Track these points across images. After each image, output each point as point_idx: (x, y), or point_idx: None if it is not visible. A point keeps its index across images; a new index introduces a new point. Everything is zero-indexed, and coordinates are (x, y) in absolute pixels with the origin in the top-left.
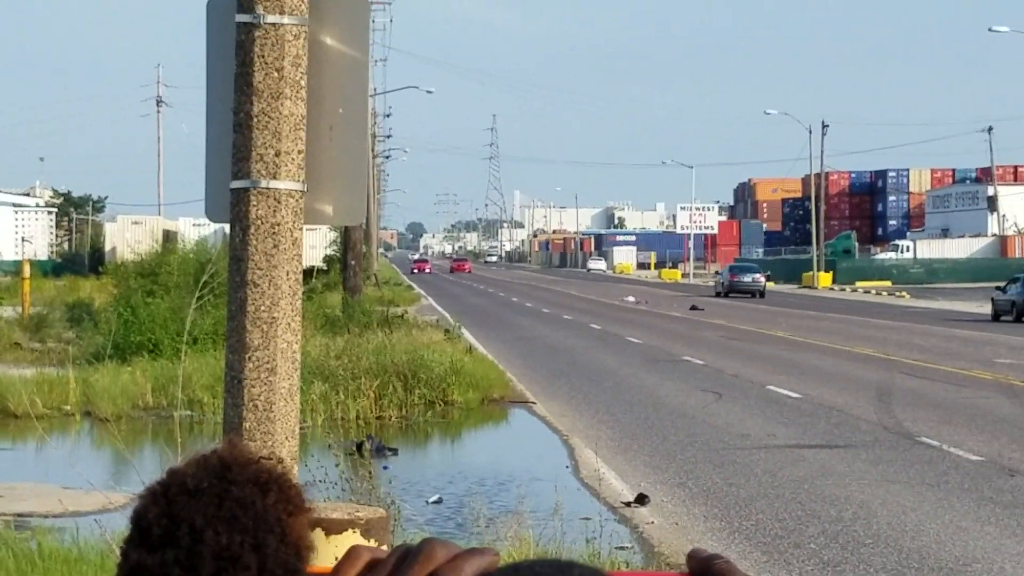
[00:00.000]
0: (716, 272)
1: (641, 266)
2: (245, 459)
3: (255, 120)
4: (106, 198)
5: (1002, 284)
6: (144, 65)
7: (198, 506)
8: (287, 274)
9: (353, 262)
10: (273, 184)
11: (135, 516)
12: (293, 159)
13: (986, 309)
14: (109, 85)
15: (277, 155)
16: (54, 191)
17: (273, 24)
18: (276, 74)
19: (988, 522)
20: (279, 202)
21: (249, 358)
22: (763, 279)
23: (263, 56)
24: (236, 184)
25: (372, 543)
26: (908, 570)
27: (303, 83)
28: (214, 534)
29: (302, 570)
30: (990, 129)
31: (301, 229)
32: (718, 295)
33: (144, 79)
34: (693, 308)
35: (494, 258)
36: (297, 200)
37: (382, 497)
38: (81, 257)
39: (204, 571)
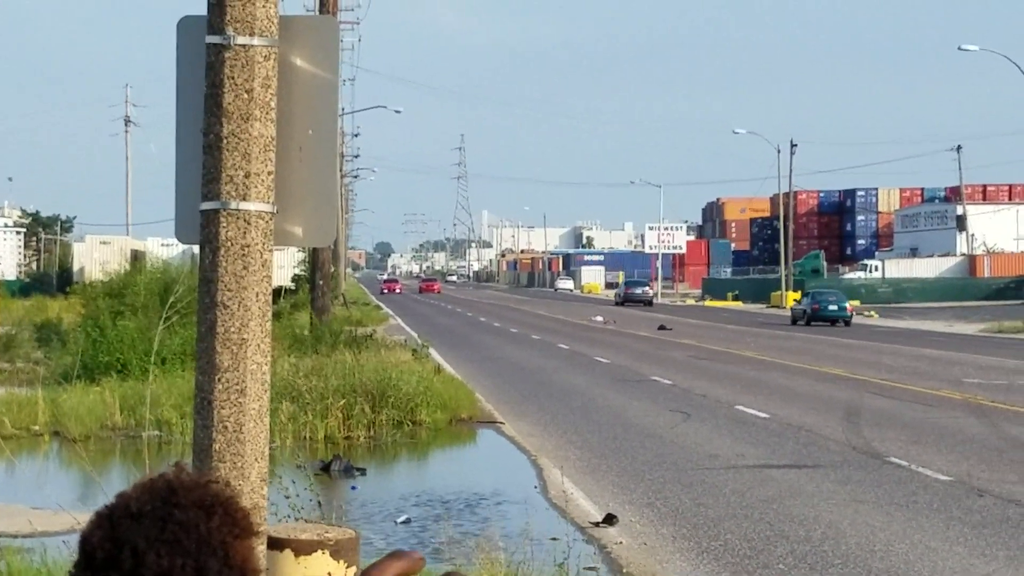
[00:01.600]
0: (616, 285)
1: (609, 286)
2: (191, 482)
3: (225, 141)
4: (74, 218)
5: (799, 298)
6: (113, 85)
7: (140, 529)
8: (257, 295)
9: (321, 282)
10: (243, 205)
11: (81, 539)
12: (263, 180)
13: (955, 329)
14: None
15: (247, 176)
16: (22, 211)
17: (243, 45)
18: (246, 95)
19: (957, 542)
20: (249, 223)
21: (219, 379)
22: (651, 291)
23: (233, 77)
24: (206, 205)
25: (341, 564)
26: None
27: (273, 104)
28: (155, 557)
29: None
30: (959, 148)
31: (271, 250)
32: (618, 304)
33: (113, 99)
34: (661, 328)
35: (453, 277)
36: (267, 221)
37: (349, 517)
38: (49, 277)
39: None
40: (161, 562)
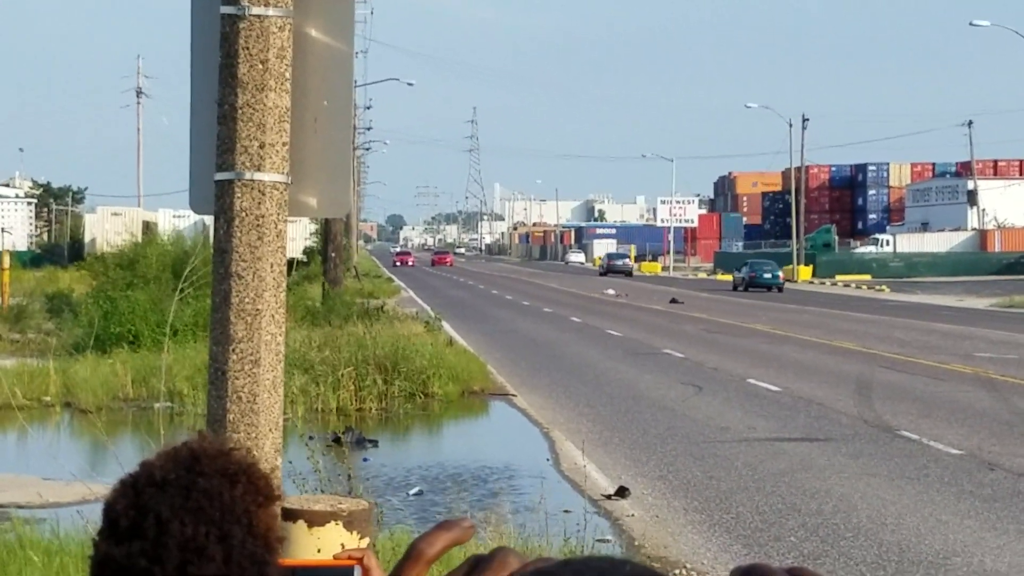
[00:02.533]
0: (599, 259)
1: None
2: (215, 451)
3: (239, 112)
4: (86, 189)
5: (740, 266)
6: (125, 56)
7: (165, 498)
8: (271, 266)
9: (334, 254)
10: (257, 176)
11: (105, 508)
12: (278, 151)
13: (966, 303)
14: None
15: (261, 147)
16: (34, 182)
17: (258, 16)
18: (261, 66)
19: (968, 516)
20: (263, 194)
21: (233, 350)
22: (630, 262)
23: (248, 48)
24: (220, 176)
25: (354, 535)
26: (888, 563)
27: (288, 75)
28: (180, 525)
29: (270, 561)
30: (970, 123)
31: (285, 221)
32: (601, 275)
33: (125, 70)
34: (673, 301)
35: (462, 249)
36: (281, 192)
37: (362, 489)
38: (60, 248)
39: (169, 563)
40: (185, 530)
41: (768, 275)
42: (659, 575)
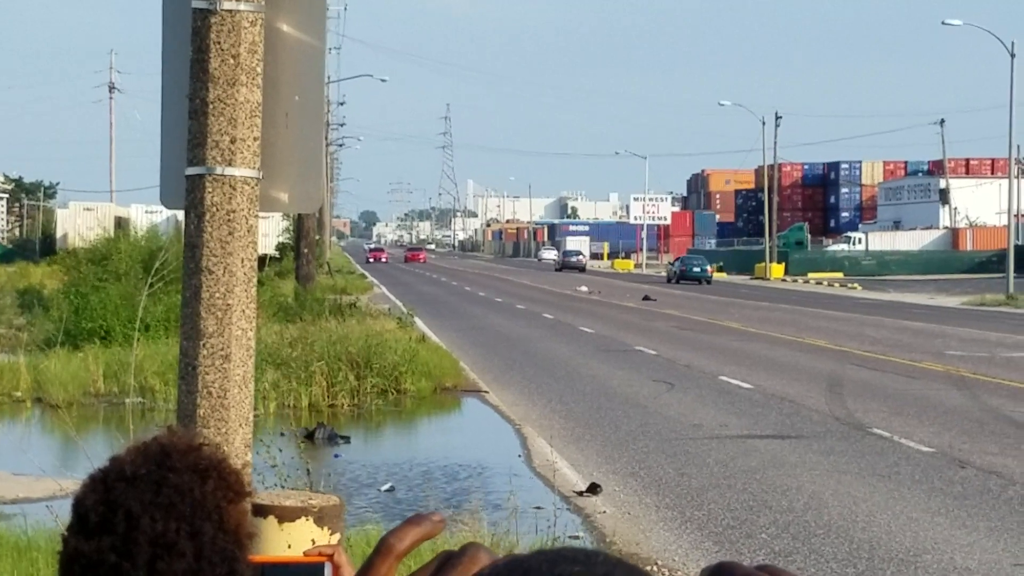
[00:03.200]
0: (556, 256)
1: (594, 256)
2: (185, 446)
3: (211, 107)
4: (58, 184)
5: (673, 261)
6: (98, 51)
7: (135, 493)
8: (242, 261)
9: (306, 250)
10: (228, 171)
11: (75, 503)
12: (248, 146)
13: (937, 301)
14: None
15: (232, 142)
16: (5, 176)
17: (229, 11)
18: (232, 61)
19: (938, 513)
20: (234, 189)
21: (203, 345)
22: (584, 259)
23: (219, 43)
24: (191, 171)
25: (325, 531)
26: (859, 560)
27: (259, 70)
28: (150, 521)
29: (241, 557)
30: (942, 122)
31: (256, 216)
32: (557, 270)
33: (97, 65)
34: (646, 298)
35: (432, 245)
36: (252, 187)
37: (333, 485)
38: (32, 243)
39: (139, 558)
40: (156, 526)
41: (697, 269)
42: (631, 566)
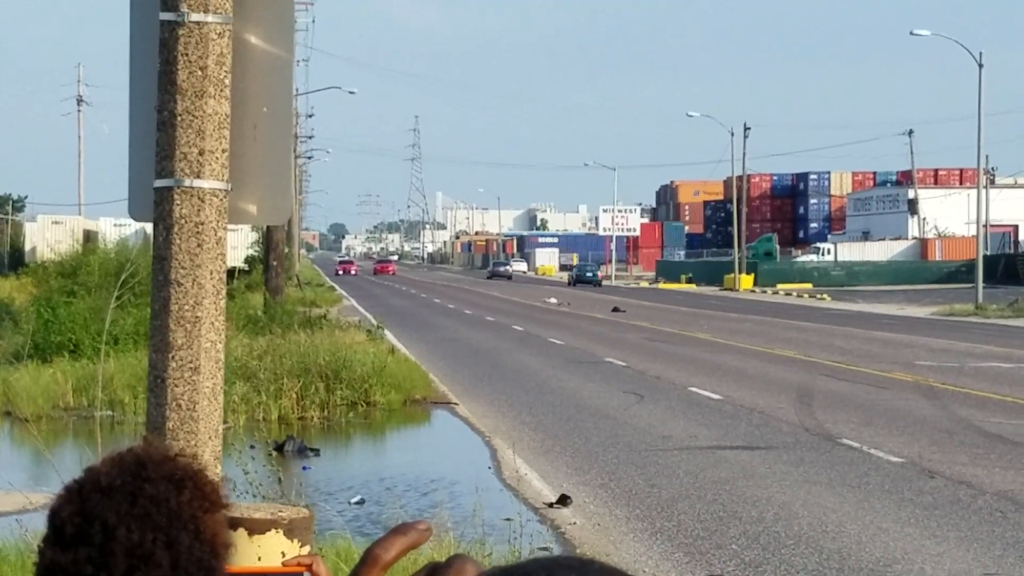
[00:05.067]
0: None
1: (563, 268)
2: (161, 456)
3: (179, 119)
4: (26, 197)
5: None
6: (65, 63)
7: (111, 504)
8: (211, 273)
9: (275, 263)
10: (197, 183)
11: (50, 514)
12: (217, 158)
13: (906, 312)
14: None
15: (201, 154)
16: None
17: (197, 22)
18: (200, 72)
19: (908, 523)
20: (203, 201)
21: (172, 357)
22: (510, 268)
23: (187, 54)
24: (159, 183)
25: (295, 543)
26: (829, 571)
27: (227, 82)
28: (126, 532)
29: (217, 567)
30: (911, 132)
31: (225, 228)
32: (488, 278)
33: (65, 78)
34: (615, 310)
35: (395, 257)
36: (221, 199)
37: (303, 497)
38: (0, 256)
39: (116, 569)
40: (132, 536)
41: (589, 273)
42: (625, 573)
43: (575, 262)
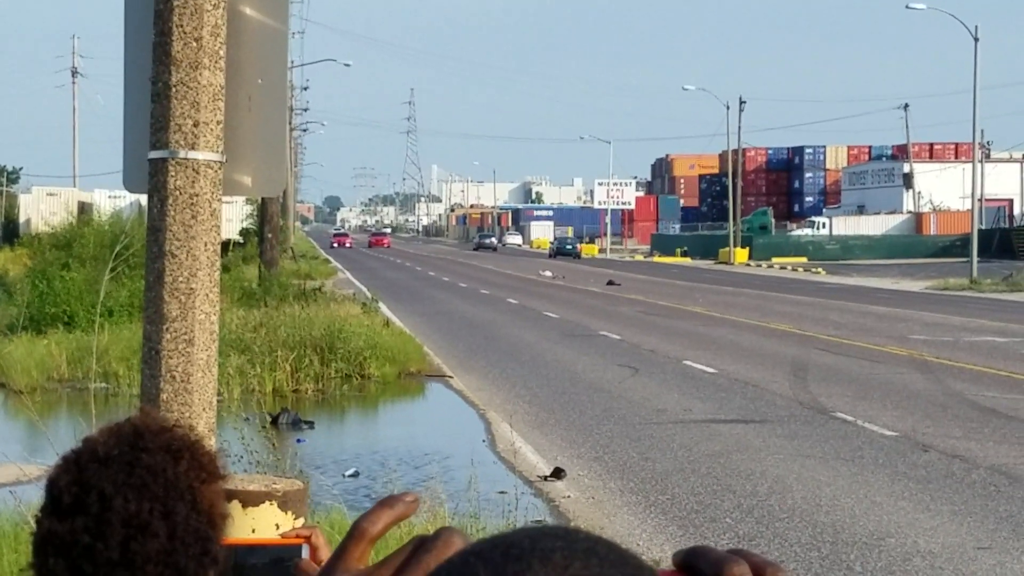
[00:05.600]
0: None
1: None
2: (158, 427)
3: (173, 90)
4: (21, 169)
5: (553, 241)
6: (60, 36)
7: (108, 474)
8: (205, 245)
9: (270, 235)
10: (192, 155)
11: (48, 484)
12: (212, 129)
13: (901, 286)
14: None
15: (195, 125)
16: None
17: None
18: (195, 44)
19: (902, 497)
20: (197, 173)
21: (167, 329)
22: (494, 240)
23: (182, 26)
24: (154, 154)
25: (289, 515)
26: (823, 544)
27: (222, 53)
28: (123, 501)
29: (214, 538)
30: (906, 107)
31: (220, 200)
32: (474, 250)
33: (60, 49)
34: (610, 283)
35: (388, 230)
36: (216, 171)
37: (297, 469)
38: None
39: (113, 538)
40: (129, 506)
41: (569, 247)
42: (612, 543)
43: (570, 235)
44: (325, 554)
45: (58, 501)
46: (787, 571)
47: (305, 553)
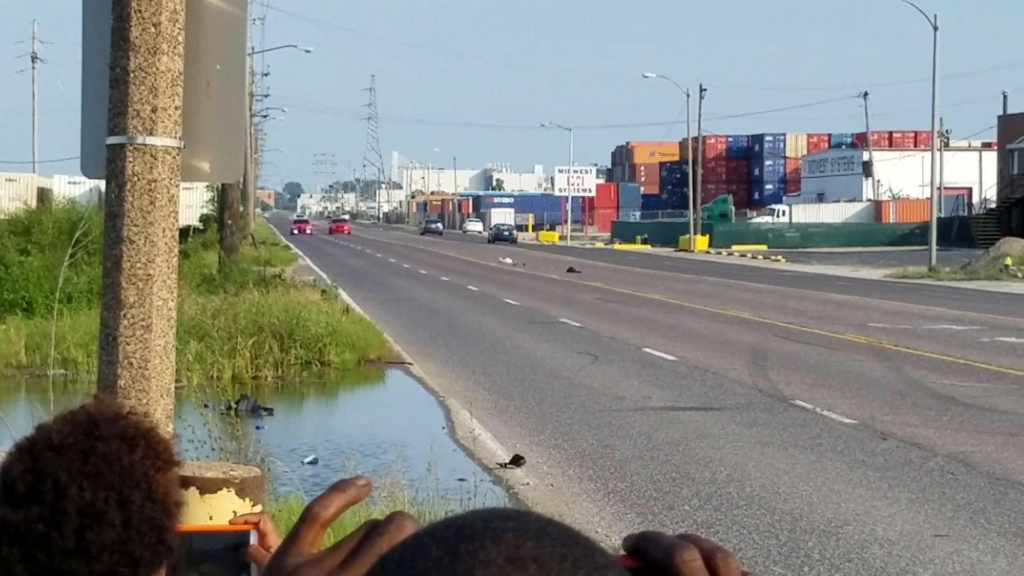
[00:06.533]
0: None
1: (519, 228)
2: (113, 414)
3: (132, 76)
4: None
5: (491, 227)
6: (20, 21)
7: (63, 462)
8: (163, 231)
9: (230, 221)
10: (150, 140)
11: (1, 472)
12: (170, 115)
13: (860, 274)
14: None
15: (154, 111)
16: None
17: None
18: (153, 29)
19: (860, 485)
20: (155, 158)
21: (124, 315)
22: (439, 225)
23: (140, 11)
24: (112, 140)
25: (247, 503)
26: (781, 532)
27: (180, 39)
28: (78, 490)
29: (169, 526)
30: (865, 95)
31: (178, 186)
32: (422, 234)
33: (19, 35)
34: (570, 270)
35: (345, 217)
36: (174, 156)
37: (256, 456)
38: None
39: (68, 527)
40: (84, 495)
41: (506, 232)
42: (563, 524)
43: (531, 222)
44: (274, 540)
45: (12, 489)
46: (735, 556)
47: (254, 539)
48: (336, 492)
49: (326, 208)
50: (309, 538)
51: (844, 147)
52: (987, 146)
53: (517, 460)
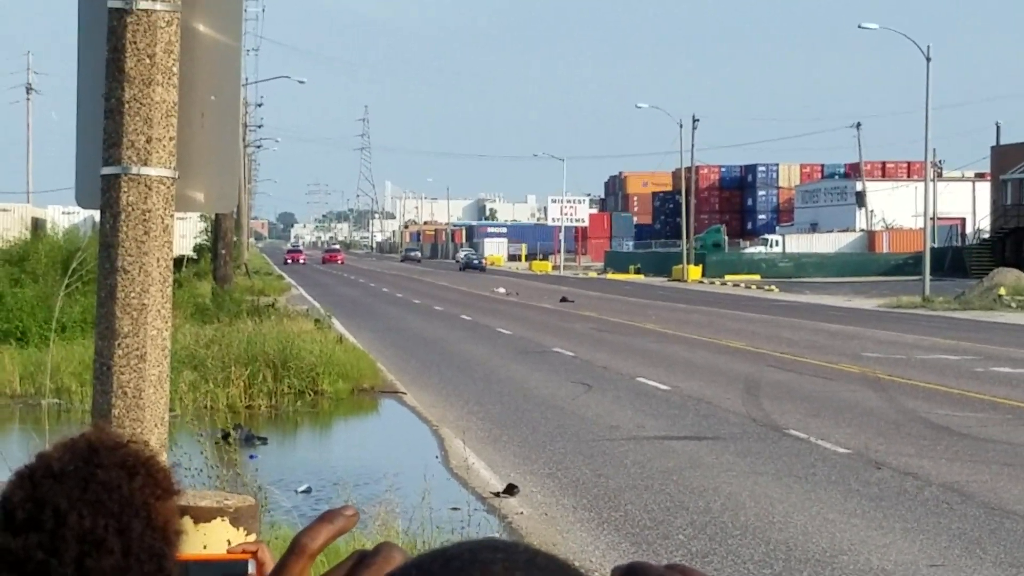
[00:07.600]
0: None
1: (512, 258)
2: (113, 443)
3: (126, 106)
4: None
5: (460, 257)
6: (14, 52)
7: (63, 489)
8: (158, 261)
9: (224, 251)
10: (144, 170)
11: (1, 500)
12: (164, 146)
13: (854, 304)
14: None
15: (148, 141)
16: None
17: (145, 10)
18: (148, 60)
19: (855, 514)
20: (150, 189)
21: (119, 345)
22: (418, 253)
23: (135, 42)
24: (107, 170)
25: (241, 531)
26: (775, 562)
27: (175, 70)
28: (78, 517)
29: (169, 554)
30: (859, 125)
31: (172, 216)
32: (402, 260)
33: (14, 66)
34: (563, 300)
35: (336, 247)
36: (168, 187)
37: (249, 485)
38: None
39: (67, 555)
40: (84, 523)
41: (476, 261)
42: (552, 556)
43: (524, 252)
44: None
45: (11, 517)
46: None
47: (252, 569)
48: (323, 523)
49: (320, 238)
50: (297, 569)
51: (837, 177)
52: (980, 176)
53: (511, 489)
